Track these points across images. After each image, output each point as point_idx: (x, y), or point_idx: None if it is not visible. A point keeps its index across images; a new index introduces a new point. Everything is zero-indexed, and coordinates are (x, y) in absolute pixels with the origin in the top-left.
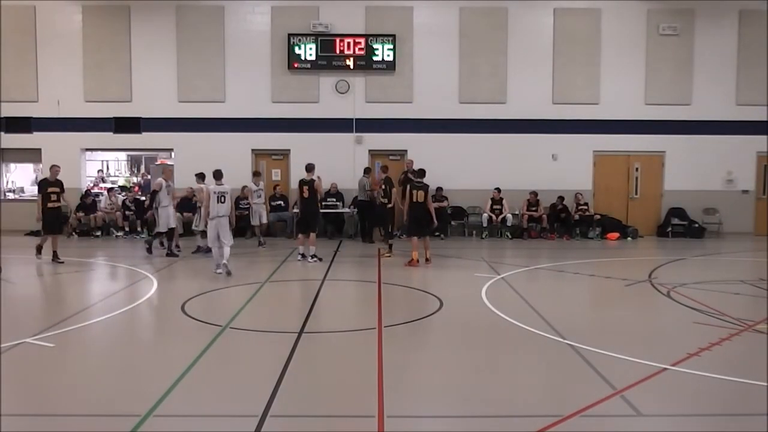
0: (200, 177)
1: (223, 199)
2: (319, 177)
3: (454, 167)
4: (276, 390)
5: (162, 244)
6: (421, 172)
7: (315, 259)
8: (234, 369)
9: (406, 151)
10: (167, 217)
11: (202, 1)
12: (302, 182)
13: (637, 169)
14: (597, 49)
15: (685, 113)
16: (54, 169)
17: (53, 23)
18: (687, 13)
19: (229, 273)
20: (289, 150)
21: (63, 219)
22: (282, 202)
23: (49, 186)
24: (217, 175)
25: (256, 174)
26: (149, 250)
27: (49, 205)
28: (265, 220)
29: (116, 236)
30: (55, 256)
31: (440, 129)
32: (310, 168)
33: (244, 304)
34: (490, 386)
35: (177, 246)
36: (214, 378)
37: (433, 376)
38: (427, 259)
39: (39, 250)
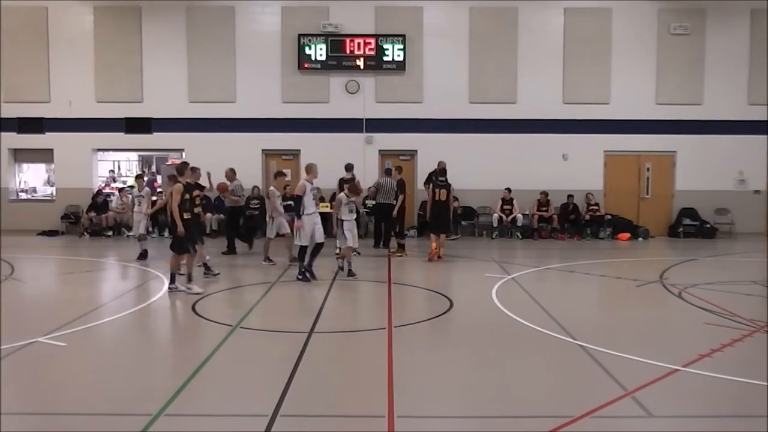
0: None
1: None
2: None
3: (464, 167)
4: (286, 390)
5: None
6: (443, 171)
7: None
8: (244, 369)
9: (416, 151)
10: (312, 227)
11: (213, 2)
12: (342, 181)
13: (648, 169)
14: (607, 48)
15: (697, 113)
16: (196, 171)
17: (65, 24)
18: (698, 12)
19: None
20: (299, 150)
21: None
22: (292, 203)
23: (193, 189)
24: (140, 176)
25: (309, 168)
26: (306, 276)
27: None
28: (322, 239)
29: (127, 236)
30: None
31: (450, 129)
32: (349, 167)
33: (255, 304)
34: (501, 387)
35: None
36: (224, 378)
37: (444, 376)
38: (439, 256)
39: (206, 267)
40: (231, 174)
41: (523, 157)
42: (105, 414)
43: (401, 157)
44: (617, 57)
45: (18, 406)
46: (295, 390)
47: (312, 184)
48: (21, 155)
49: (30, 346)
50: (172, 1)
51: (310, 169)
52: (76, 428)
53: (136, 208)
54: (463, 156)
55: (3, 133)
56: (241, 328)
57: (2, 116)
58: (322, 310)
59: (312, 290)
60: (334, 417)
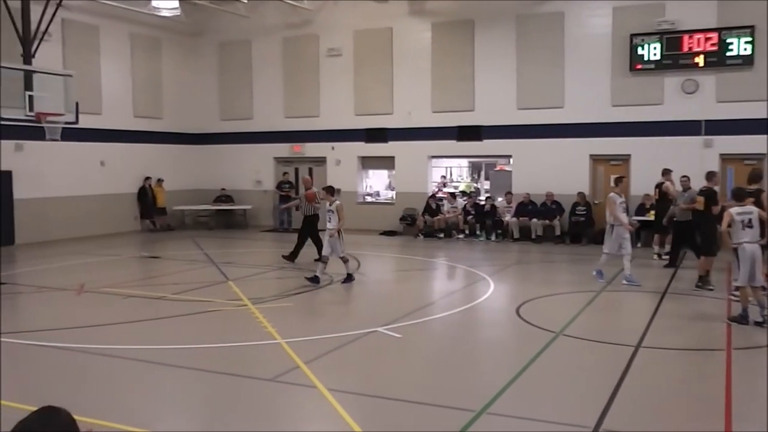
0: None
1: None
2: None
3: None
4: (610, 403)
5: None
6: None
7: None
8: (566, 377)
9: (764, 154)
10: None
11: (542, 10)
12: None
13: None
14: None
15: None
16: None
17: (406, 42)
18: None
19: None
20: (629, 155)
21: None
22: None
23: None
24: (330, 190)
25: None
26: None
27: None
28: None
29: (457, 238)
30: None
31: None
32: (665, 172)
33: (579, 312)
34: None
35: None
36: (545, 383)
37: None
38: None
39: (705, 279)
40: (310, 182)
41: None
42: (431, 404)
43: (746, 162)
44: None
45: (355, 387)
46: (620, 405)
47: None
48: (367, 162)
49: (371, 334)
50: (503, 3)
51: (711, 177)
52: (404, 414)
53: (328, 225)
54: None
55: (353, 143)
56: (564, 335)
57: (351, 128)
58: (652, 323)
59: (641, 302)
60: None
